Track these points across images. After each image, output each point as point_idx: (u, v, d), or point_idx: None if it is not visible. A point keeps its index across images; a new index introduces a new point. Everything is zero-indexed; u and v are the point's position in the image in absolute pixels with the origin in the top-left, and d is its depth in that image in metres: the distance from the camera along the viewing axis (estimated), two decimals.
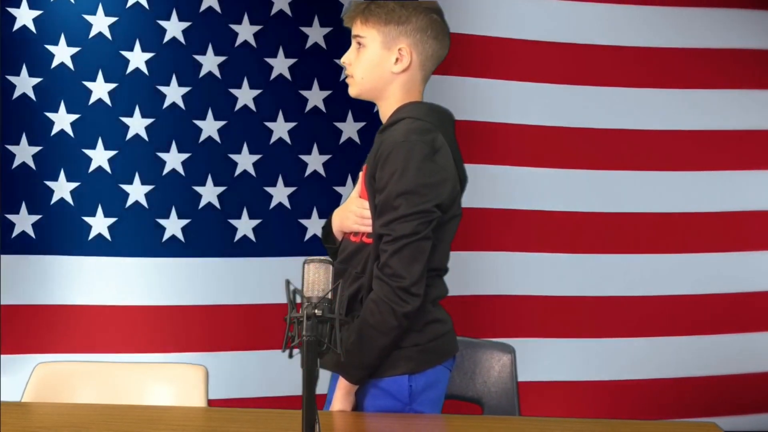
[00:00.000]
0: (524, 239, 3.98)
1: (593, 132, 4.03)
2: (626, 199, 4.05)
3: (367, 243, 2.12)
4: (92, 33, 3.60)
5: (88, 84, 3.60)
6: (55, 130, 3.57)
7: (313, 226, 3.76)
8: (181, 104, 3.70)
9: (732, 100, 4.13)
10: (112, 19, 3.62)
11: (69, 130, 3.58)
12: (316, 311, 1.59)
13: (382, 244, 2.03)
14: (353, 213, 2.16)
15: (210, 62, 3.72)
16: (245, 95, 3.76)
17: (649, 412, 3.98)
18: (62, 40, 3.56)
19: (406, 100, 2.16)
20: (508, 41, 3.98)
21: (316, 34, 3.81)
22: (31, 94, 3.54)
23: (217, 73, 3.73)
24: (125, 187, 3.65)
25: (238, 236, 3.76)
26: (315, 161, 3.82)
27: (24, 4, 3.52)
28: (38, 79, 3.55)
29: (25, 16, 3.52)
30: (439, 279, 2.16)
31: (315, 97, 3.81)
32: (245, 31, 3.75)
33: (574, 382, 3.98)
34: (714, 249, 4.10)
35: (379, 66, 2.15)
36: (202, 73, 3.72)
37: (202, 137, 3.73)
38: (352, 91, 2.20)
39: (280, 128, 3.79)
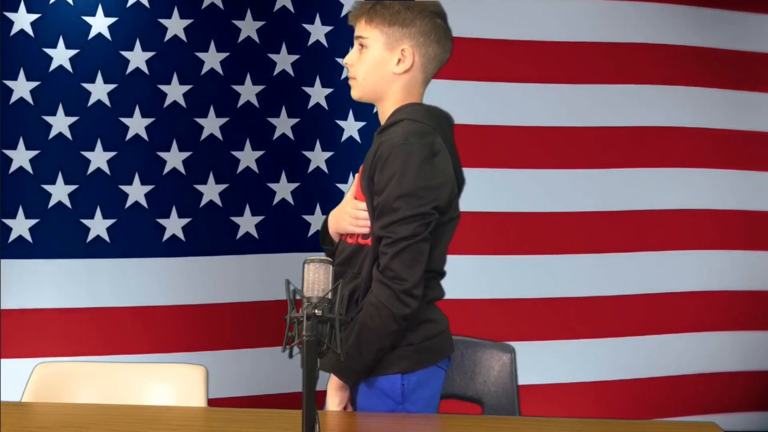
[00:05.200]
0: (522, 242, 3.98)
1: (588, 131, 4.03)
2: (624, 198, 4.05)
3: (363, 244, 2.12)
4: (91, 34, 3.59)
5: (87, 86, 3.59)
6: (53, 133, 3.57)
7: (316, 222, 3.77)
8: (183, 102, 3.69)
9: (734, 101, 4.13)
10: (112, 19, 3.61)
11: (67, 133, 3.57)
12: (316, 311, 1.59)
13: (382, 246, 2.04)
14: (348, 214, 2.16)
15: (212, 59, 3.72)
16: (247, 92, 3.75)
17: (649, 411, 3.98)
18: (61, 42, 3.55)
19: (406, 101, 2.17)
20: (501, 42, 3.98)
21: (317, 32, 3.81)
22: (29, 98, 3.54)
23: (219, 69, 3.72)
24: (124, 188, 3.64)
25: (240, 233, 3.76)
26: (317, 158, 3.82)
27: (22, 7, 3.51)
28: (36, 83, 3.54)
29: (22, 20, 3.52)
30: (436, 281, 2.16)
31: (317, 94, 3.81)
32: (248, 28, 3.75)
33: (574, 384, 3.98)
34: (714, 247, 4.10)
35: (381, 66, 2.16)
36: (204, 70, 3.71)
37: (204, 135, 3.72)
38: (355, 94, 2.22)
39: (283, 125, 3.79)
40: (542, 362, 3.90)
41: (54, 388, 2.30)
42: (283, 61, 3.79)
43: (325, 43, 3.81)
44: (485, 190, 3.84)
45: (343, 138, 3.83)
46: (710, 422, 2.02)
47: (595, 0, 4.02)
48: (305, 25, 3.80)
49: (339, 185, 3.80)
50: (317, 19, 3.80)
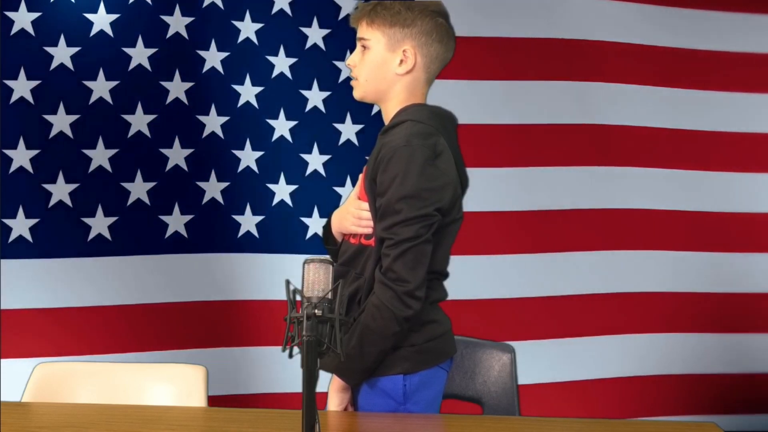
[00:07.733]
0: (520, 241, 3.97)
1: (591, 128, 4.03)
2: (625, 197, 4.04)
3: (366, 245, 2.13)
4: (93, 31, 3.59)
5: (89, 83, 3.58)
6: (53, 132, 3.56)
7: (314, 224, 3.77)
8: (185, 100, 3.69)
9: (737, 102, 4.13)
10: (114, 16, 3.60)
11: (68, 131, 3.57)
12: (316, 311, 1.59)
13: (385, 248, 2.04)
14: (351, 214, 2.17)
15: (213, 58, 3.71)
16: (247, 92, 3.75)
17: (649, 410, 3.98)
18: (62, 40, 3.54)
19: (409, 101, 2.17)
20: (490, 39, 3.98)
21: (315, 35, 3.81)
22: (29, 98, 3.53)
23: (220, 69, 3.72)
24: (126, 185, 3.64)
25: (241, 232, 3.76)
26: (315, 161, 3.82)
27: (22, 6, 3.51)
28: (36, 82, 3.53)
29: (23, 19, 3.51)
30: (438, 282, 2.16)
31: (315, 97, 3.81)
32: (247, 28, 3.74)
33: (573, 383, 3.97)
34: (716, 249, 4.10)
35: (383, 67, 2.16)
36: (206, 68, 3.71)
37: (206, 133, 3.72)
38: (357, 94, 2.22)
39: (282, 126, 3.79)
40: (542, 361, 3.90)
41: (54, 388, 2.30)
42: (281, 63, 3.78)
43: (322, 46, 3.81)
44: (486, 190, 3.84)
45: (341, 141, 3.83)
46: (710, 422, 2.02)
47: (617, 2, 4.03)
48: (302, 29, 3.80)
49: (336, 188, 3.80)
50: (315, 22, 3.80)
